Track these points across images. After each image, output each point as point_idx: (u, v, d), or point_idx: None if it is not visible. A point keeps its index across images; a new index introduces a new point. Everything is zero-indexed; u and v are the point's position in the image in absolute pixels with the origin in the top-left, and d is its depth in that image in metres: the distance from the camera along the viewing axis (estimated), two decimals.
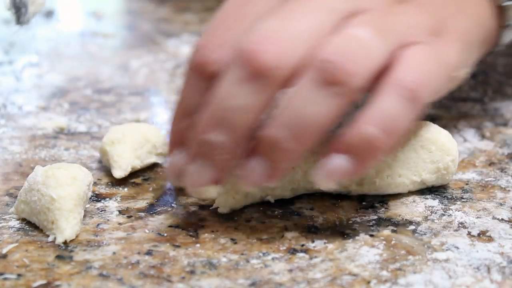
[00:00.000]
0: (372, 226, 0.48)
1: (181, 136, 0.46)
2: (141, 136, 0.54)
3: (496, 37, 0.56)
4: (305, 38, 0.43)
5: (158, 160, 0.55)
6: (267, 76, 0.42)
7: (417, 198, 0.51)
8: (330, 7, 0.45)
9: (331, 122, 0.42)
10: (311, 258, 0.44)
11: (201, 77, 0.45)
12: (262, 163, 0.43)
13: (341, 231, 0.47)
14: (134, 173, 0.54)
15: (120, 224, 0.48)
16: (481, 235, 0.47)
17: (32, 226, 0.47)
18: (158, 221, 0.48)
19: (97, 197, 0.51)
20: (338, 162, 0.42)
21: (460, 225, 0.48)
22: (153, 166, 0.55)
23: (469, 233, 0.47)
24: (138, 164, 0.54)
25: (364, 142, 0.42)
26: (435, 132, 0.51)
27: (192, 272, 0.43)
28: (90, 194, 0.48)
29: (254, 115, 0.43)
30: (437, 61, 0.46)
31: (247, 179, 0.44)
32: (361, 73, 0.42)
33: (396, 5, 0.47)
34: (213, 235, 0.46)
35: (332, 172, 0.43)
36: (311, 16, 0.44)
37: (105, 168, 0.55)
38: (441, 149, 0.51)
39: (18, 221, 0.47)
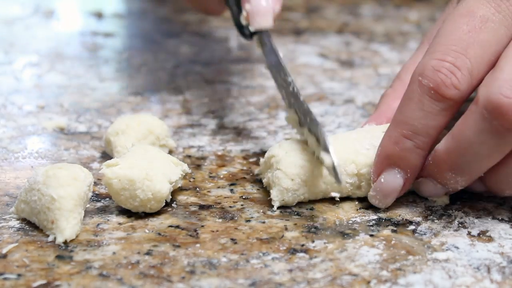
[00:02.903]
0: (372, 226, 0.48)
1: (397, 157, 0.48)
2: (145, 127, 0.55)
3: None
4: None
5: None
6: None
7: (417, 198, 0.51)
8: None
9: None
10: (311, 258, 0.44)
11: (435, 100, 0.46)
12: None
13: (341, 231, 0.47)
14: None
15: (120, 224, 0.47)
16: (481, 235, 0.47)
17: (32, 226, 0.47)
18: (158, 221, 0.48)
19: (97, 197, 0.51)
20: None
21: (460, 225, 0.48)
22: None
23: (469, 233, 0.47)
24: None
25: None
26: None
27: (192, 272, 0.43)
28: (90, 194, 0.48)
29: (493, 163, 0.46)
30: None
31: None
32: None
33: None
34: (213, 235, 0.46)
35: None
36: None
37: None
38: None
39: (18, 221, 0.47)
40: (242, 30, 0.60)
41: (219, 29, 0.90)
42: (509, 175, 0.47)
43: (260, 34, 0.58)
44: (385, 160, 0.48)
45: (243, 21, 0.59)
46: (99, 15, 0.96)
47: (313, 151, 0.49)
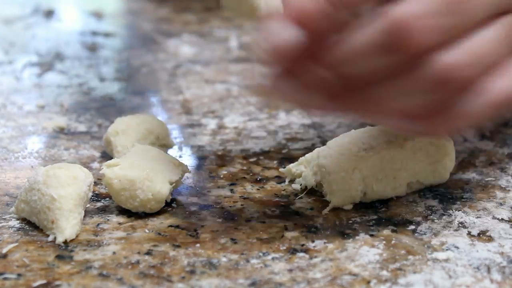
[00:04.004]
0: (372, 226, 0.48)
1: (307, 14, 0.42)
2: (144, 127, 0.56)
3: None
4: None
5: None
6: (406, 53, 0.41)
7: (417, 198, 0.51)
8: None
9: None
10: (311, 258, 0.44)
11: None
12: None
13: (341, 231, 0.47)
14: None
15: (120, 224, 0.48)
16: (481, 235, 0.47)
17: (32, 226, 0.47)
18: (158, 221, 0.48)
19: (97, 196, 0.51)
20: None
21: (460, 225, 0.48)
22: None
23: (469, 233, 0.47)
24: None
25: None
26: None
27: (192, 272, 0.43)
28: (90, 194, 0.48)
29: (375, 80, 0.43)
30: None
31: None
32: None
33: None
34: (213, 235, 0.46)
35: None
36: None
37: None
38: (439, 148, 0.51)
39: (18, 221, 0.47)
40: None
41: (219, 29, 0.90)
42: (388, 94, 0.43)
43: None
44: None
45: None
46: (99, 15, 0.96)
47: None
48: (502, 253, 0.45)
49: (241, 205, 0.50)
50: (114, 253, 0.44)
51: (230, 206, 0.50)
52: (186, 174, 0.53)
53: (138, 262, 0.43)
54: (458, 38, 0.42)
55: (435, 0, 0.41)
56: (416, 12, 0.41)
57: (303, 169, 0.52)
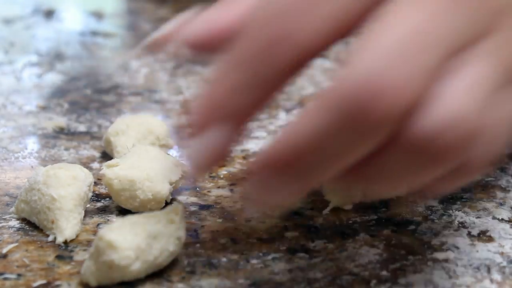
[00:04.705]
0: (372, 226, 0.48)
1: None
2: (145, 127, 0.55)
3: None
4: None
5: None
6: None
7: (417, 198, 0.51)
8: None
9: None
10: (311, 258, 0.44)
11: None
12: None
13: (341, 231, 0.47)
14: None
15: None
16: (481, 235, 0.47)
17: (32, 226, 0.47)
18: None
19: (97, 197, 0.51)
20: None
21: (460, 225, 0.48)
22: None
23: (469, 233, 0.47)
24: None
25: None
26: None
27: (192, 272, 0.43)
28: (90, 195, 0.48)
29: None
30: None
31: None
32: None
33: None
34: (213, 235, 0.46)
35: None
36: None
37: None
38: None
39: (18, 221, 0.47)
40: None
41: None
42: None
43: None
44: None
45: None
46: (99, 15, 0.96)
47: None
48: (502, 253, 0.45)
49: (241, 205, 0.50)
50: None
51: (230, 206, 0.50)
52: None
53: None
54: (432, 87, 0.30)
55: (397, 35, 0.29)
56: (379, 63, 0.29)
57: None
